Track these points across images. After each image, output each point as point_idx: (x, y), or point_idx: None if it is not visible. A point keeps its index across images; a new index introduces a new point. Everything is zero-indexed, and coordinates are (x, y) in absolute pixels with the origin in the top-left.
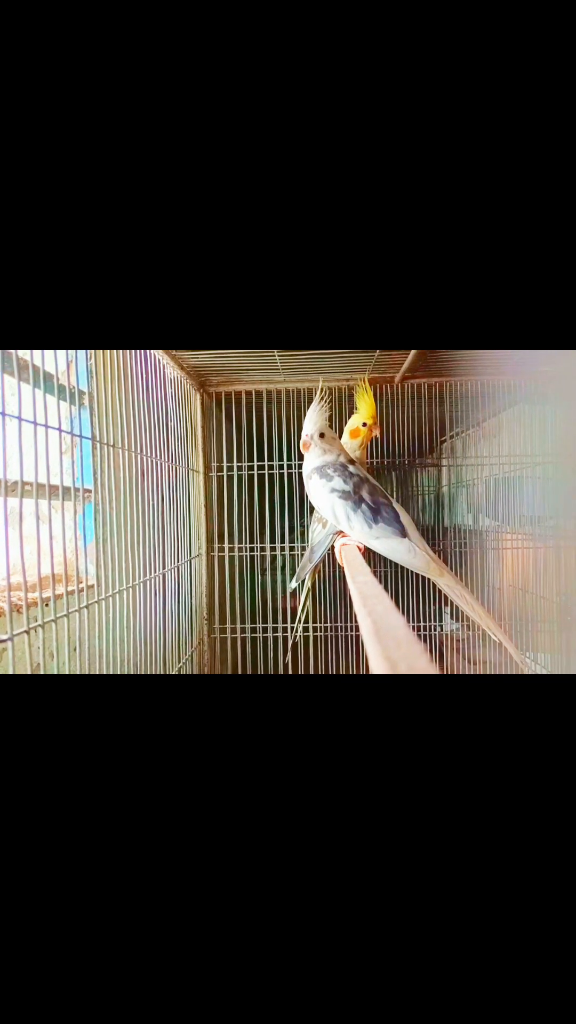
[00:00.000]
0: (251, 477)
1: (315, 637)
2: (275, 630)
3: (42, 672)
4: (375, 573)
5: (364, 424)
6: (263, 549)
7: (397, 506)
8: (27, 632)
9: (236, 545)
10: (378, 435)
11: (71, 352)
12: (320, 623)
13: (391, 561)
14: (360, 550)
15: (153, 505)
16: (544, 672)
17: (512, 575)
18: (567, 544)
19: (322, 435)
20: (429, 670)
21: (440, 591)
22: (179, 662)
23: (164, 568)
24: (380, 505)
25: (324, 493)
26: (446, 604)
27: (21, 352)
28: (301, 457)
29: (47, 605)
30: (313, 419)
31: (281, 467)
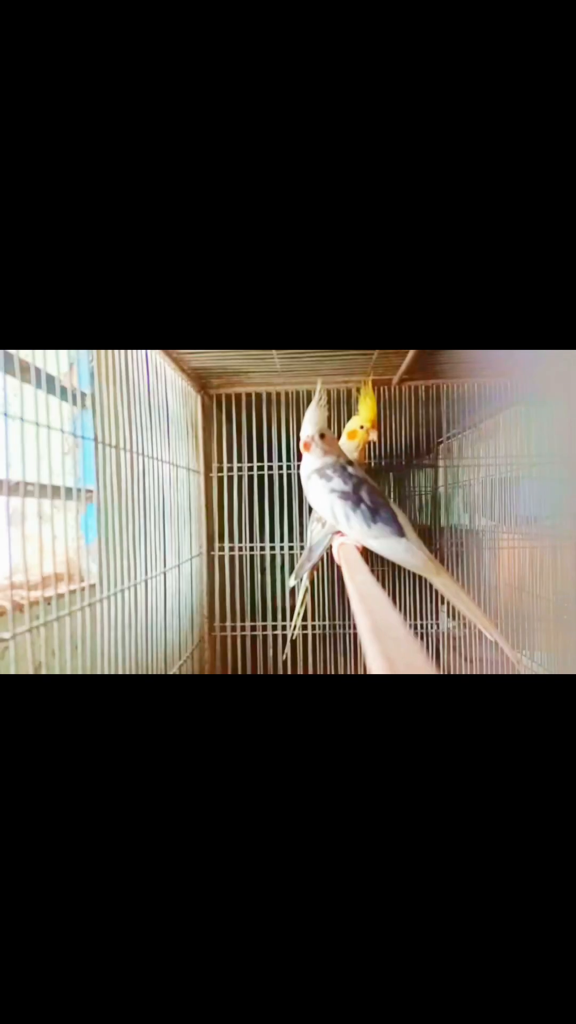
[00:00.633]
0: (251, 477)
1: (313, 635)
2: (274, 628)
3: (44, 670)
4: (373, 572)
5: (362, 427)
6: (263, 548)
7: (394, 506)
8: (29, 631)
9: (236, 545)
10: (375, 439)
11: (73, 354)
12: (318, 621)
13: (389, 560)
14: (358, 549)
15: (154, 505)
16: (540, 670)
17: (508, 575)
18: (563, 544)
19: (322, 435)
20: (426, 668)
21: (437, 590)
22: (180, 660)
23: (165, 567)
24: (379, 505)
25: (323, 493)
26: (443, 603)
27: (23, 354)
28: (300, 457)
29: (49, 604)
30: (313, 419)
31: (280, 468)
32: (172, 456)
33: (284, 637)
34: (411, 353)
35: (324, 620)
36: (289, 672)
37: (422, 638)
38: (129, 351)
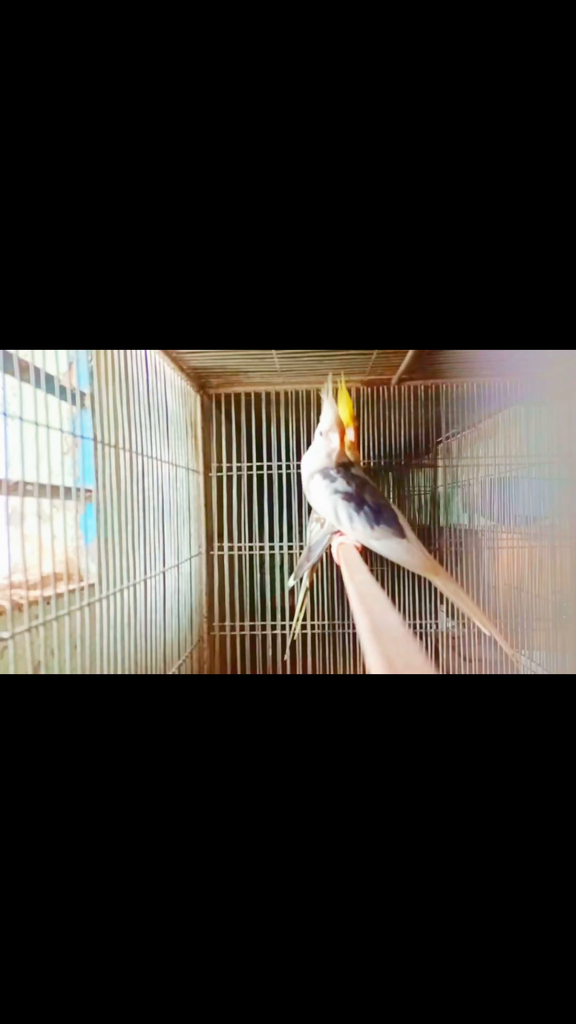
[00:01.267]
0: (250, 477)
1: (313, 635)
2: (273, 627)
3: (43, 670)
4: (372, 572)
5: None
6: (262, 548)
7: (394, 507)
8: (28, 630)
9: (235, 544)
10: (353, 439)
11: (72, 353)
12: (318, 621)
13: (388, 560)
14: (357, 549)
15: (153, 505)
16: (539, 669)
17: (507, 574)
18: (562, 543)
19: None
20: (425, 667)
21: (436, 590)
22: (179, 659)
23: (164, 567)
24: (381, 507)
25: (327, 494)
26: (442, 602)
27: (22, 353)
28: (299, 457)
29: (48, 603)
30: (336, 413)
31: (280, 467)
32: (171, 456)
33: (283, 637)
34: (410, 353)
35: (323, 620)
36: (288, 672)
37: (421, 638)
38: (128, 351)
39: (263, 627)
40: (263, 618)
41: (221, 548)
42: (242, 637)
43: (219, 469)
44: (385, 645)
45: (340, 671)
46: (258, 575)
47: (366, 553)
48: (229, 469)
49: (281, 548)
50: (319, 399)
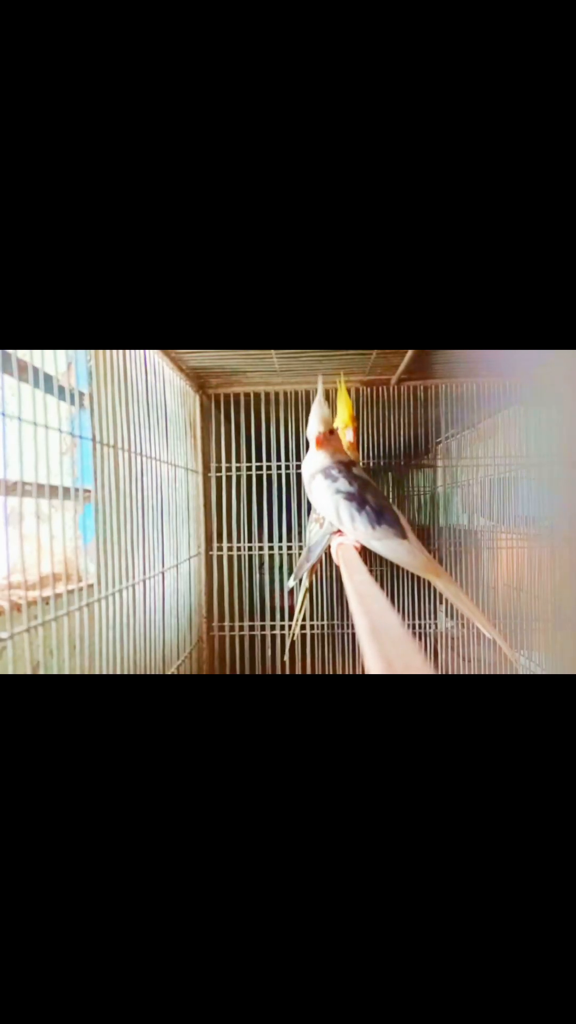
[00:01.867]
0: (249, 477)
1: (312, 635)
2: (272, 628)
3: (42, 670)
4: (371, 572)
5: (336, 427)
6: (261, 548)
7: (395, 508)
8: (27, 631)
9: (234, 544)
10: (352, 440)
11: (71, 353)
12: (317, 621)
13: (387, 560)
14: (357, 549)
15: (152, 505)
16: (538, 670)
17: (507, 574)
18: (561, 544)
19: (332, 431)
20: (424, 668)
21: (435, 590)
22: (178, 660)
23: (163, 567)
24: (383, 507)
25: (328, 494)
26: (441, 602)
27: (21, 353)
28: (299, 457)
29: (47, 604)
30: (321, 416)
31: (279, 467)
32: (170, 456)
33: (282, 637)
34: (409, 353)
35: (322, 620)
36: (287, 672)
37: (420, 638)
38: (127, 351)
39: (262, 627)
40: (262, 618)
41: (220, 548)
42: (241, 637)
43: (218, 469)
44: (384, 645)
45: (339, 671)
46: (257, 575)
47: (365, 553)
48: (228, 469)
49: (280, 548)
50: (329, 398)
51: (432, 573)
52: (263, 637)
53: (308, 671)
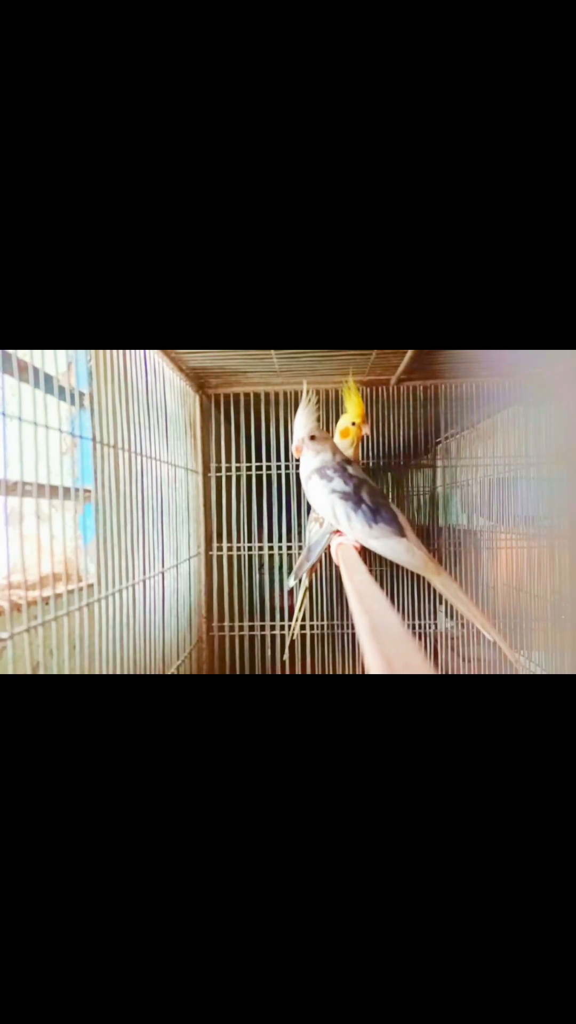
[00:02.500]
0: (249, 477)
1: (312, 635)
2: (272, 628)
3: (41, 670)
4: (371, 572)
5: (353, 423)
6: (261, 548)
7: (393, 506)
8: (27, 630)
9: (234, 544)
10: (368, 433)
11: (71, 353)
12: (317, 621)
13: (387, 560)
14: (356, 549)
15: (152, 505)
16: (538, 670)
17: (506, 574)
18: (561, 543)
19: (312, 437)
20: (424, 668)
21: (435, 590)
22: (178, 660)
23: (163, 567)
24: (379, 506)
25: (324, 494)
26: (441, 602)
27: (21, 353)
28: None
29: (47, 604)
30: (302, 423)
31: (279, 467)
32: (170, 456)
33: (282, 637)
34: (409, 353)
35: (322, 620)
36: (287, 672)
37: (420, 638)
38: (127, 351)
39: (262, 627)
40: (262, 618)
41: (220, 548)
42: (241, 637)
43: (218, 469)
44: (384, 645)
45: (339, 671)
46: (257, 575)
47: (365, 553)
48: (228, 469)
49: (280, 548)
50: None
51: (431, 572)
52: (263, 637)
53: (308, 671)
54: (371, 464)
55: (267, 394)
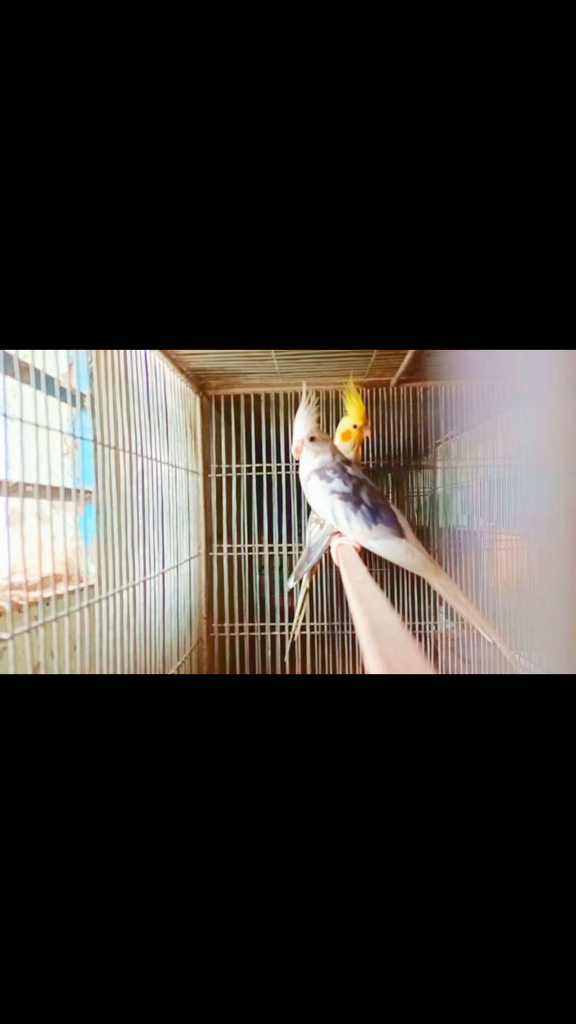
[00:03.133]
0: (249, 478)
1: (312, 636)
2: (272, 628)
3: (42, 671)
4: (371, 573)
5: (355, 426)
6: (261, 549)
7: (393, 507)
8: (28, 631)
9: (234, 545)
10: (369, 435)
11: (72, 355)
12: (317, 622)
13: (387, 561)
14: (356, 550)
15: (153, 506)
16: (538, 671)
17: (506, 575)
18: (561, 544)
19: (312, 439)
20: (424, 668)
21: (435, 590)
22: (178, 660)
23: (163, 568)
24: (379, 506)
25: (324, 495)
26: (441, 603)
27: (23, 354)
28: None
29: (48, 604)
30: (302, 424)
31: (279, 468)
32: (171, 457)
33: (282, 638)
34: (409, 354)
35: (322, 621)
36: (287, 672)
37: (420, 638)
38: (128, 351)
39: (262, 628)
40: (262, 619)
41: (220, 549)
42: (241, 638)
43: (218, 470)
44: (384, 645)
45: (339, 671)
46: (257, 576)
47: (365, 554)
48: (228, 470)
49: (280, 549)
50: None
51: (431, 573)
52: (263, 638)
53: (308, 671)
54: (371, 465)
55: (267, 395)
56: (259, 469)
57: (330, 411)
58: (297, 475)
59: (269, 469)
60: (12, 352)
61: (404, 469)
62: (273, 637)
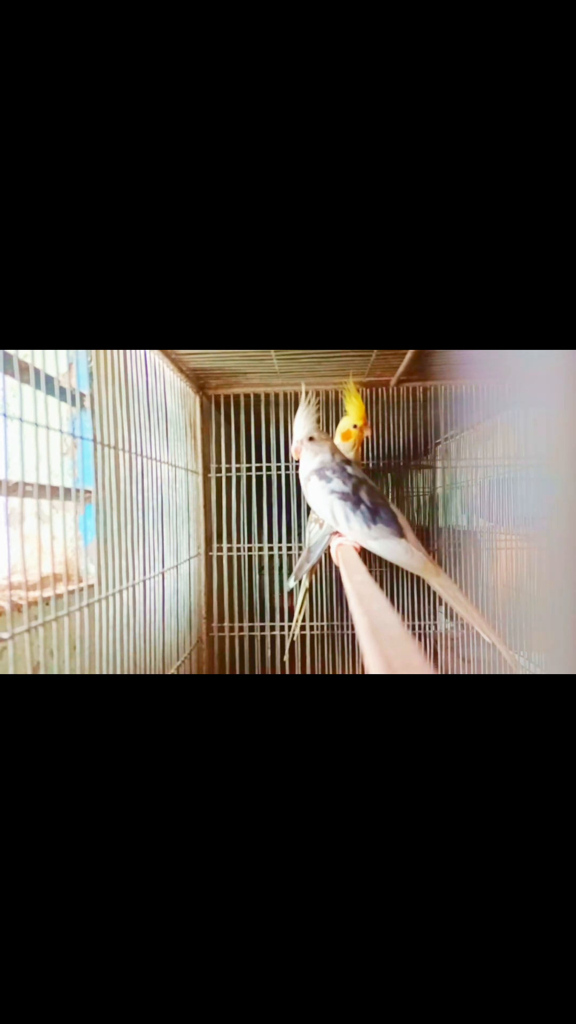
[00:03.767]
0: (249, 478)
1: (312, 636)
2: (272, 628)
3: (42, 671)
4: (371, 573)
5: (355, 426)
6: (260, 549)
7: (393, 507)
8: (28, 631)
9: (234, 545)
10: (369, 435)
11: (72, 354)
12: (317, 622)
13: (387, 561)
14: (356, 550)
15: (152, 506)
16: (537, 670)
17: (506, 575)
18: (560, 544)
19: (311, 439)
20: (423, 668)
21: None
22: (178, 660)
23: (163, 568)
24: (378, 506)
25: (323, 494)
26: (441, 603)
27: (22, 354)
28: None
29: (47, 604)
30: (301, 424)
31: (279, 468)
32: (170, 457)
33: (282, 638)
34: (409, 354)
35: (322, 621)
36: (287, 672)
37: (420, 638)
38: (128, 351)
39: (262, 628)
40: (262, 619)
41: (220, 549)
42: (241, 638)
43: (218, 470)
44: (384, 645)
45: (339, 671)
46: (257, 576)
47: (365, 554)
48: (228, 470)
49: (280, 549)
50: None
51: (430, 573)
52: (263, 638)
53: (308, 671)
54: (371, 465)
55: (267, 395)
56: (259, 469)
57: (330, 411)
58: (297, 475)
59: (269, 469)
60: (12, 352)
61: (404, 469)
62: (273, 637)
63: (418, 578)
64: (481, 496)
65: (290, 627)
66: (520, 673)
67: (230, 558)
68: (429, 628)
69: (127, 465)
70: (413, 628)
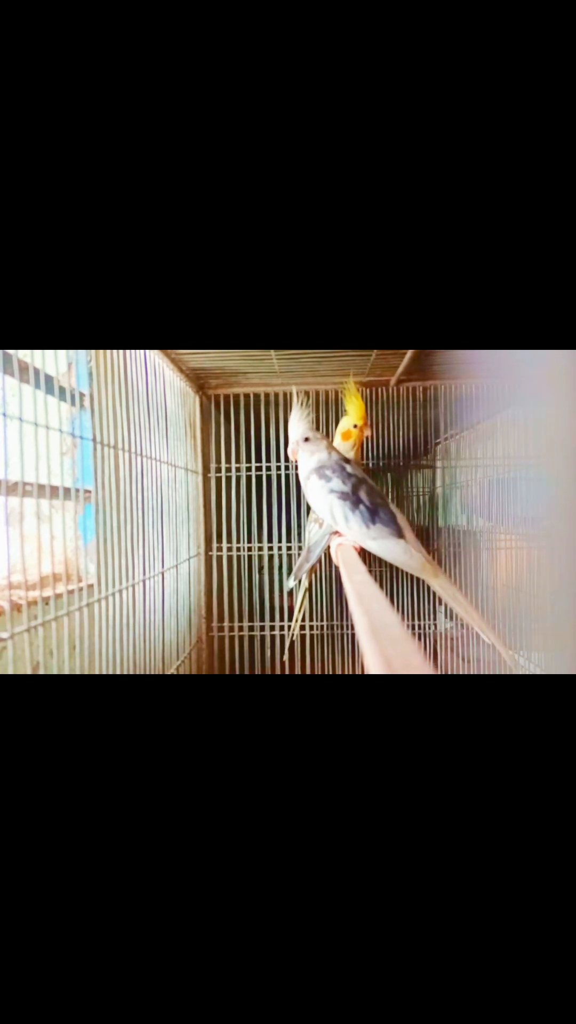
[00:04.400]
0: (249, 478)
1: (311, 635)
2: (272, 628)
3: (41, 670)
4: (371, 572)
5: (355, 426)
6: (260, 549)
7: (393, 507)
8: (27, 631)
9: (234, 545)
10: (370, 435)
11: (71, 354)
12: (316, 622)
13: (387, 561)
14: (356, 550)
15: (152, 505)
16: (537, 671)
17: (505, 575)
18: (560, 544)
19: (307, 439)
20: (423, 668)
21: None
22: (178, 660)
23: (163, 568)
24: (377, 506)
25: (323, 494)
26: (440, 603)
27: (22, 354)
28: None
29: (47, 604)
30: (295, 426)
31: (278, 468)
32: (170, 456)
33: (282, 637)
34: (409, 354)
35: (322, 620)
36: (287, 672)
37: (420, 638)
38: (127, 351)
39: (262, 628)
40: (262, 619)
41: (219, 549)
42: (240, 638)
43: (218, 470)
44: (383, 645)
45: (339, 671)
46: (256, 576)
47: (365, 554)
48: (228, 470)
49: (280, 549)
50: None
51: (429, 574)
52: (262, 638)
53: (308, 671)
54: (371, 465)
55: (267, 395)
56: (259, 469)
57: (330, 411)
58: (297, 474)
59: (268, 469)
60: (12, 352)
61: (404, 469)
62: (273, 637)
63: (418, 578)
64: (481, 496)
65: (290, 627)
66: (520, 673)
67: (230, 558)
68: (429, 628)
69: (127, 465)
70: (413, 628)
